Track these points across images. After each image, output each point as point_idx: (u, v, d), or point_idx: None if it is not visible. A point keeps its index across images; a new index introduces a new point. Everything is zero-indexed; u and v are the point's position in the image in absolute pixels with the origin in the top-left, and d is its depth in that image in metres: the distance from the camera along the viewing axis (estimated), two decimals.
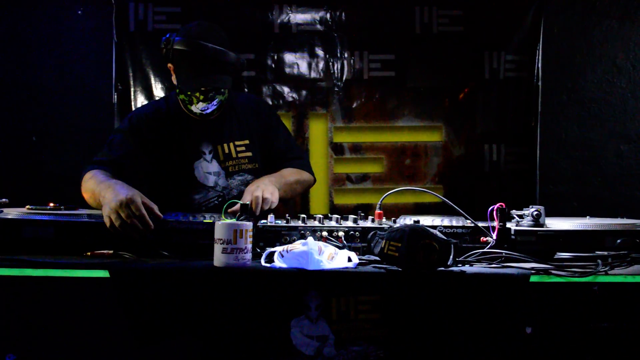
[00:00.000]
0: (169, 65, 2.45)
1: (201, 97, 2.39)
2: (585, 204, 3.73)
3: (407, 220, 2.02)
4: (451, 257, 1.69)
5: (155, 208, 1.96)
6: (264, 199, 2.17)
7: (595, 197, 3.76)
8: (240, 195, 2.30)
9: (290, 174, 2.56)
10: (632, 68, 3.74)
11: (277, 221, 2.02)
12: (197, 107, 2.42)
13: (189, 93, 2.39)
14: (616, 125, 3.76)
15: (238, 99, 2.67)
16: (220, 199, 2.47)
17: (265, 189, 2.22)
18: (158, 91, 3.53)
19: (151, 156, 2.44)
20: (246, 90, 3.55)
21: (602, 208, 3.66)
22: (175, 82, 2.46)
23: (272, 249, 1.80)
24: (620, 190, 3.76)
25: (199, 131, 2.51)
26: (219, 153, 2.51)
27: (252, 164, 2.55)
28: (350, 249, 1.94)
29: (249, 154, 2.56)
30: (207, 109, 2.43)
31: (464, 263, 1.86)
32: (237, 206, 2.00)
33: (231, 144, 2.54)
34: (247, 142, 2.56)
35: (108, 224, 1.92)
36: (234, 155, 2.53)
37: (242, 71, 2.48)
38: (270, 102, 3.55)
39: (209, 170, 2.49)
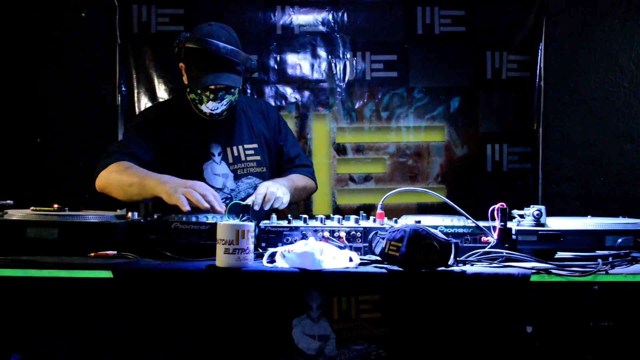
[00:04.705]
0: (181, 64, 2.47)
1: (211, 95, 2.40)
2: (588, 204, 3.73)
3: (409, 220, 2.03)
4: (452, 256, 1.70)
5: (218, 197, 2.12)
6: (277, 197, 2.24)
7: (598, 197, 3.75)
8: (247, 198, 2.33)
9: (299, 180, 2.60)
10: (635, 67, 3.74)
11: (279, 222, 2.04)
12: (207, 107, 2.43)
13: (199, 92, 2.41)
14: (619, 124, 3.76)
15: (248, 103, 2.69)
16: (228, 201, 2.48)
17: (280, 189, 2.29)
18: (162, 93, 3.55)
19: (161, 155, 2.46)
20: (249, 91, 3.57)
21: (605, 207, 3.66)
22: (186, 81, 2.48)
23: (274, 249, 1.81)
24: (623, 190, 3.75)
25: (208, 133, 2.52)
26: (228, 155, 2.53)
27: (260, 168, 2.57)
28: (352, 249, 1.95)
29: (258, 157, 2.57)
30: (217, 108, 2.44)
31: (464, 263, 1.86)
32: (251, 198, 2.19)
33: (240, 147, 2.56)
34: (255, 145, 2.59)
35: (182, 201, 2.03)
36: (242, 158, 2.55)
37: (253, 73, 2.49)
38: (273, 103, 3.57)
39: (217, 172, 2.50)
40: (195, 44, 2.35)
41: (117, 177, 2.28)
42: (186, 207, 2.03)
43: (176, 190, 2.08)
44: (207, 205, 2.04)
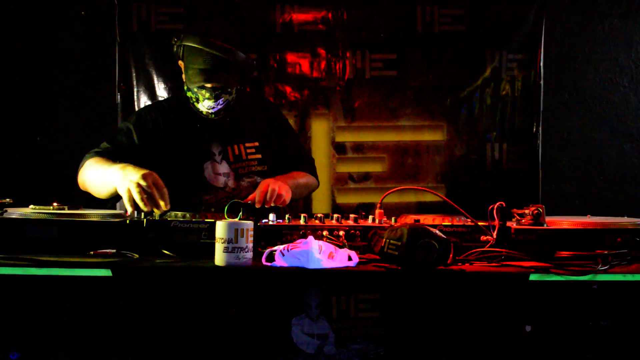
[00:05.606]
0: (180, 62, 2.47)
1: (207, 94, 2.39)
2: (587, 203, 3.73)
3: (408, 219, 2.03)
4: (451, 255, 1.70)
5: (166, 192, 2.00)
6: (278, 195, 2.23)
7: (598, 196, 3.76)
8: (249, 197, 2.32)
9: (301, 177, 2.59)
10: (635, 66, 3.74)
11: (278, 220, 2.04)
12: (204, 106, 2.43)
13: (195, 90, 2.40)
14: (618, 123, 3.76)
15: (249, 101, 2.67)
16: (229, 200, 2.47)
17: (281, 186, 2.27)
18: (161, 91, 3.54)
19: (159, 154, 2.45)
20: (248, 90, 3.57)
21: (605, 207, 3.67)
22: (185, 80, 2.47)
23: (273, 248, 1.81)
24: (623, 189, 3.76)
25: (209, 132, 2.51)
26: (228, 154, 2.52)
27: (262, 166, 2.56)
28: (351, 247, 1.95)
29: (259, 156, 2.56)
30: (214, 107, 2.43)
31: (463, 262, 1.86)
32: (253, 195, 2.17)
33: (241, 146, 2.54)
34: (256, 144, 2.57)
35: (127, 196, 1.96)
36: (243, 157, 2.53)
37: (251, 72, 2.47)
38: (272, 102, 3.56)
39: (218, 171, 2.49)
40: (192, 42, 2.34)
41: (87, 174, 2.29)
42: (129, 209, 1.95)
43: (122, 184, 2.00)
44: (148, 207, 1.95)
